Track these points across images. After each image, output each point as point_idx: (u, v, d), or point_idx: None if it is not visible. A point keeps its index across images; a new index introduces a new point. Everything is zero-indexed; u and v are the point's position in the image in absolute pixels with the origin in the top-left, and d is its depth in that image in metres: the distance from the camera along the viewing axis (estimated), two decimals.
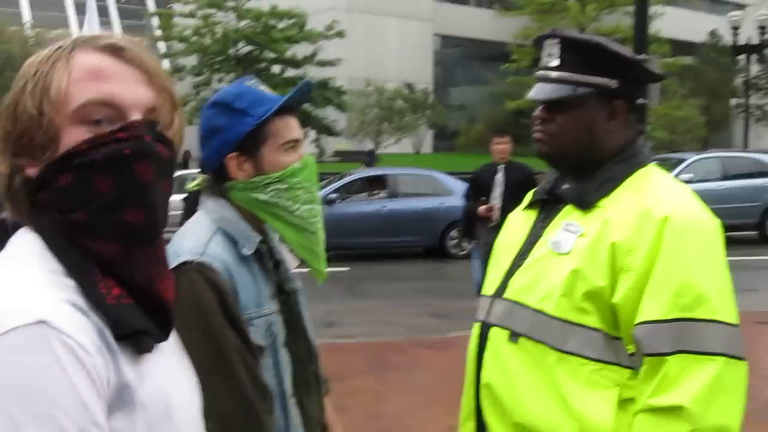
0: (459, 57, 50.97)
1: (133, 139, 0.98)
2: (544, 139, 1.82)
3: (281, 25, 27.40)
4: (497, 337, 1.79)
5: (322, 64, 27.76)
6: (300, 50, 27.90)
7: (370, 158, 25.70)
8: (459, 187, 13.99)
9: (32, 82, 0.98)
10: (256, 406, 1.61)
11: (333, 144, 34.08)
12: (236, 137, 1.74)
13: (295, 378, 1.84)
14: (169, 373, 1.04)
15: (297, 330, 1.90)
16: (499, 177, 7.44)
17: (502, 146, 7.56)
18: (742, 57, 29.07)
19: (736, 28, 24.66)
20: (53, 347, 0.87)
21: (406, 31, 43.07)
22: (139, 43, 1.05)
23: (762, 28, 25.99)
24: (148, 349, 0.99)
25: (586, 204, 1.74)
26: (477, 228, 7.67)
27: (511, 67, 33.80)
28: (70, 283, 0.96)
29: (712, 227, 1.66)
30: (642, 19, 7.39)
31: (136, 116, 1.00)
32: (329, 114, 29.83)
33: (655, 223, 1.61)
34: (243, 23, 27.53)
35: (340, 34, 27.70)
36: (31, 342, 0.86)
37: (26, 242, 1.00)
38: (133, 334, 0.97)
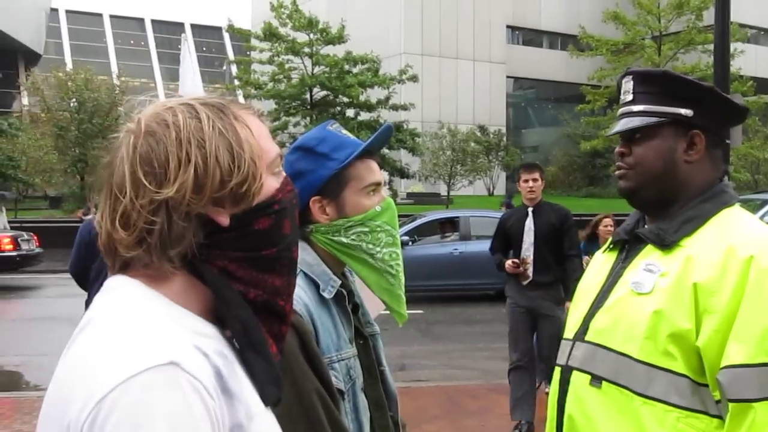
0: (532, 99, 50.90)
1: (294, 190, 1.17)
2: (623, 174, 1.81)
3: (355, 70, 27.86)
4: (579, 381, 1.75)
5: (396, 108, 28.07)
6: (374, 94, 28.29)
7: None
8: None
9: (222, 140, 1.03)
10: None
11: (406, 186, 34.26)
12: (319, 181, 1.77)
13: (373, 424, 1.82)
14: (267, 413, 1.08)
15: (375, 375, 1.89)
16: (529, 223, 6.01)
17: (531, 184, 6.03)
18: None
19: None
20: (183, 389, 0.91)
21: (479, 74, 43.30)
22: None
23: None
24: (278, 402, 1.09)
25: (667, 243, 1.70)
26: (507, 284, 6.27)
27: (585, 108, 33.43)
28: (192, 325, 1.01)
29: None
30: (723, 56, 7.21)
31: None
32: (403, 156, 30.06)
33: (740, 263, 1.55)
34: (318, 69, 28.12)
35: (413, 79, 27.98)
36: (163, 382, 0.90)
37: (136, 286, 1.03)
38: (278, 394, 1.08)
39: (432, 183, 34.48)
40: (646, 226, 1.82)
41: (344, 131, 1.85)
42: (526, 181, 6.06)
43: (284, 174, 1.15)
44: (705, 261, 1.60)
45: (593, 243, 7.79)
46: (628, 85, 1.82)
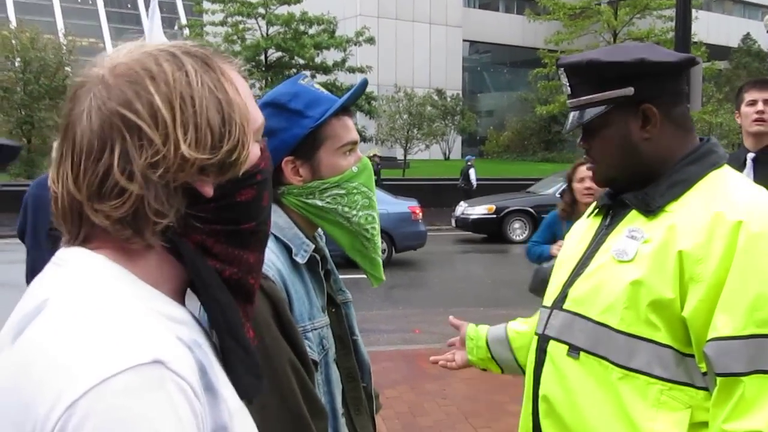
0: (488, 63, 50.90)
1: (270, 157, 1.06)
2: (593, 170, 1.75)
3: (311, 31, 27.44)
4: (556, 351, 1.68)
5: (352, 70, 27.76)
6: (330, 56, 27.93)
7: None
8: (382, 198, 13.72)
9: (213, 100, 0.90)
10: (311, 426, 1.50)
11: (362, 150, 34.11)
12: (293, 140, 1.64)
13: (345, 395, 1.74)
14: (242, 407, 0.96)
15: (347, 345, 1.80)
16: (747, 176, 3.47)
17: (760, 106, 3.65)
18: None
19: None
20: (169, 392, 0.78)
21: (435, 38, 43.07)
22: None
23: None
24: (256, 396, 0.99)
25: (652, 209, 1.61)
26: None
27: (541, 72, 33.52)
28: (166, 310, 0.89)
29: None
30: (684, 21, 7.19)
31: None
32: (359, 120, 29.85)
33: (728, 228, 1.47)
34: (273, 30, 27.62)
35: (370, 41, 27.67)
36: (147, 384, 0.77)
37: (100, 261, 0.89)
38: (258, 386, 0.98)
39: (389, 147, 34.36)
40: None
41: (317, 86, 1.72)
42: (753, 102, 3.65)
43: (264, 141, 1.04)
44: (691, 227, 1.51)
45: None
46: (563, 78, 1.74)
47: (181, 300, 0.96)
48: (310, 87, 1.70)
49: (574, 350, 1.63)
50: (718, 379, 1.44)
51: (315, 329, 1.63)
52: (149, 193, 0.86)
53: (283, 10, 27.50)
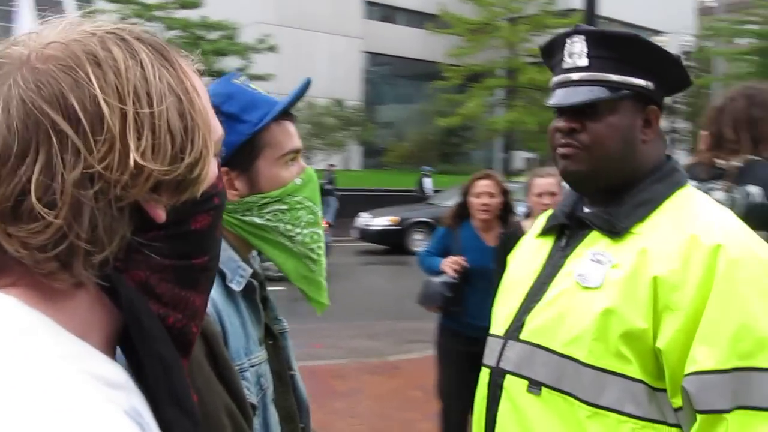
0: (387, 75, 51.24)
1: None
2: (574, 153, 1.55)
3: (211, 36, 26.88)
4: (514, 387, 1.53)
5: (254, 78, 27.33)
6: (230, 63, 27.40)
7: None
8: None
9: (173, 100, 0.69)
10: None
11: None
12: (228, 149, 1.41)
13: None
14: None
15: (286, 382, 1.60)
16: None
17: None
18: None
19: None
20: None
21: (336, 48, 43.01)
22: None
23: (686, 53, 26.62)
24: None
25: (617, 230, 1.48)
26: None
27: (440, 84, 33.99)
28: (101, 371, 0.67)
29: None
30: None
31: None
32: None
33: (705, 253, 1.36)
34: (171, 33, 26.86)
35: (272, 49, 27.32)
36: None
37: (12, 305, 0.66)
38: None
39: None
40: (585, 210, 1.61)
41: (252, 85, 1.51)
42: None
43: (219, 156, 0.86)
44: (664, 251, 1.40)
45: (465, 227, 4.48)
46: (577, 46, 1.55)
47: (112, 354, 0.74)
48: (246, 87, 1.49)
49: (534, 386, 1.48)
50: (699, 416, 1.31)
51: (252, 366, 1.42)
52: (80, 217, 0.64)
53: (183, 13, 26.82)
